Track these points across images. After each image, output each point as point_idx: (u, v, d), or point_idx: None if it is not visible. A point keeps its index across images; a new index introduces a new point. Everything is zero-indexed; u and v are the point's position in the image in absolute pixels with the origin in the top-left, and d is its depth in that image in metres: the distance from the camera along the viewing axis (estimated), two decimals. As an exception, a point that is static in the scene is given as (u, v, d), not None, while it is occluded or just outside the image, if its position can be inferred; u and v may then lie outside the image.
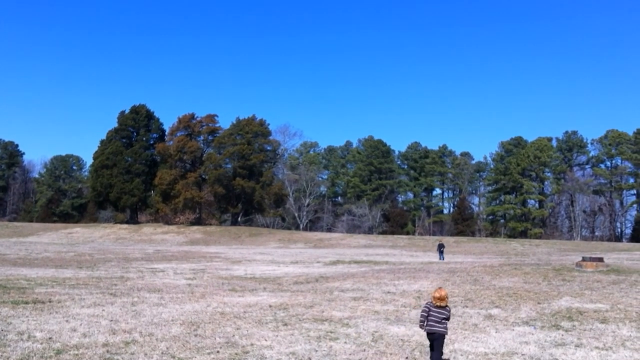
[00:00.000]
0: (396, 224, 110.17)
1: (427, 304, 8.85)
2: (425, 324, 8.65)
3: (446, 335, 8.75)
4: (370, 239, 76.24)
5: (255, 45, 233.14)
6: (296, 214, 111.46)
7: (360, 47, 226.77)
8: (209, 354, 9.48)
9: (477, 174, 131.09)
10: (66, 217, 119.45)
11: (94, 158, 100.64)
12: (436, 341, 8.62)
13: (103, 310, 14.10)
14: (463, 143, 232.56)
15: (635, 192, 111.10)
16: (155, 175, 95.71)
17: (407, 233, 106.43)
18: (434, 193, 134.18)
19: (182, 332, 11.29)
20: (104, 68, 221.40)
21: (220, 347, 9.96)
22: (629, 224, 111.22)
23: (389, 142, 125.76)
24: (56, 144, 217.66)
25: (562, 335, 11.72)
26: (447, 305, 8.74)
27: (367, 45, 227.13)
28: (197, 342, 10.34)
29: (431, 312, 8.63)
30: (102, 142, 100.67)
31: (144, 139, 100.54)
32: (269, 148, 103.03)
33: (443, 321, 8.59)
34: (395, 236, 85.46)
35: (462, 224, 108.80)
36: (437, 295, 8.69)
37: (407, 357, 9.56)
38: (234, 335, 11.05)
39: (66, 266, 29.79)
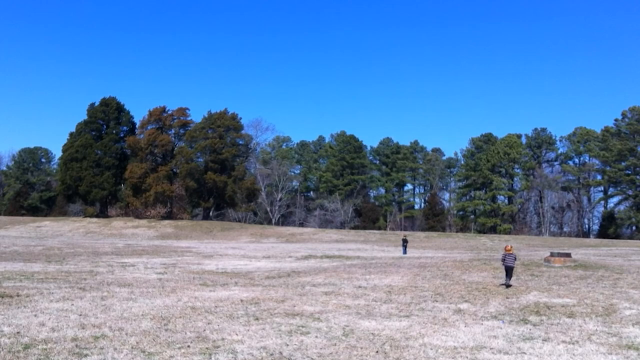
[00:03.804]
0: (368, 219, 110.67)
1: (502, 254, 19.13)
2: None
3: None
4: (342, 234, 76.42)
5: (227, 40, 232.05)
6: (268, 209, 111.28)
7: (333, 44, 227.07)
8: (179, 348, 9.45)
9: (448, 170, 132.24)
10: (35, 211, 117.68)
11: (63, 151, 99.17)
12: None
13: (72, 304, 13.96)
14: (434, 139, 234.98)
15: (602, 189, 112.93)
16: (126, 168, 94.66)
17: (379, 228, 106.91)
18: (406, 188, 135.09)
19: (153, 327, 11.23)
20: (73, 60, 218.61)
21: (191, 342, 9.94)
22: (596, 220, 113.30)
23: (361, 138, 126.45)
24: (24, 136, 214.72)
25: (530, 329, 11.91)
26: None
27: (340, 42, 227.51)
28: (168, 337, 10.30)
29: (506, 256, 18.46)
30: (71, 134, 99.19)
31: (114, 131, 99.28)
32: (241, 142, 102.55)
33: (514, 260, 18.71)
34: (367, 231, 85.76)
35: (433, 219, 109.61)
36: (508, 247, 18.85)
37: (377, 351, 9.64)
38: (204, 330, 11.03)
39: (35, 260, 29.38)
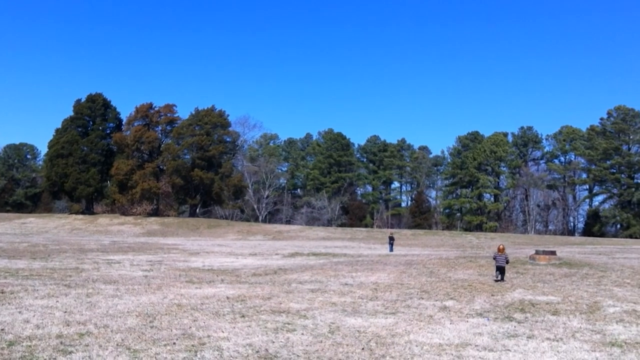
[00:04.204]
0: (355, 216, 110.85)
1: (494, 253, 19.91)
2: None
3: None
4: (329, 232, 76.48)
5: (215, 37, 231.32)
6: (255, 206, 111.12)
7: (321, 42, 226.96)
8: (165, 345, 9.43)
9: (435, 168, 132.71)
10: (20, 207, 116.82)
11: (49, 147, 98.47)
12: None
13: (57, 301, 13.88)
14: (421, 137, 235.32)
15: (587, 187, 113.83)
16: (112, 165, 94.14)
17: (366, 226, 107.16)
18: (393, 186, 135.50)
19: (138, 324, 11.19)
20: (60, 56, 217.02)
21: (177, 339, 9.91)
22: (582, 219, 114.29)
23: (348, 135, 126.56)
24: (9, 132, 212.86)
25: (515, 326, 11.97)
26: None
27: (328, 40, 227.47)
28: (153, 334, 10.26)
29: (497, 256, 19.09)
30: (57, 130, 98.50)
31: (101, 128, 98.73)
32: (228, 139, 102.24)
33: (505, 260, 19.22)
34: (353, 229, 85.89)
35: (420, 217, 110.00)
36: (500, 247, 19.42)
37: (363, 348, 9.66)
38: (190, 327, 11.01)
39: (19, 257, 29.18)
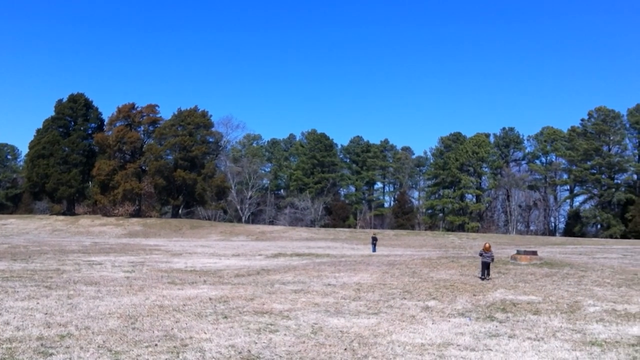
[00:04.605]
0: (338, 217, 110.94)
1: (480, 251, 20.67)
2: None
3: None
4: (312, 232, 76.49)
5: (198, 37, 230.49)
6: (238, 207, 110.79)
7: (304, 43, 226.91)
8: (146, 347, 9.39)
9: (417, 169, 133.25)
10: (0, 208, 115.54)
11: (30, 147, 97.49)
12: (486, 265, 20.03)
13: (38, 303, 13.77)
14: (404, 138, 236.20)
15: (568, 187, 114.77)
16: (94, 165, 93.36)
17: (349, 226, 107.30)
18: (376, 187, 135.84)
19: (120, 326, 11.14)
20: (41, 55, 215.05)
21: (159, 340, 9.87)
22: (562, 219, 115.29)
23: (331, 136, 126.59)
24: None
25: (496, 326, 12.06)
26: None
27: (311, 41, 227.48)
28: (135, 336, 10.22)
29: (484, 254, 20.07)
30: (38, 131, 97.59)
31: (82, 128, 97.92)
32: (211, 140, 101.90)
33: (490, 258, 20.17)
34: (337, 229, 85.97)
35: (402, 217, 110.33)
36: (487, 245, 20.49)
37: (345, 349, 9.68)
38: (172, 329, 10.97)
39: (-1, 258, 28.91)
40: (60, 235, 70.78)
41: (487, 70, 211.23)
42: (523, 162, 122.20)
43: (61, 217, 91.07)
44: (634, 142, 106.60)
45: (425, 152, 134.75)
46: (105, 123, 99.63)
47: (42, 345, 9.30)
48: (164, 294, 15.90)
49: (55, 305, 13.43)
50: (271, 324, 11.72)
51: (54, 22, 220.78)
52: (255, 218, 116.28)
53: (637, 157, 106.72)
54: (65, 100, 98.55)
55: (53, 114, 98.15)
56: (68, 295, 15.17)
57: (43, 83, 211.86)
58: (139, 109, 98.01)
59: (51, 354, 8.77)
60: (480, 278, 19.92)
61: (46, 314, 12.31)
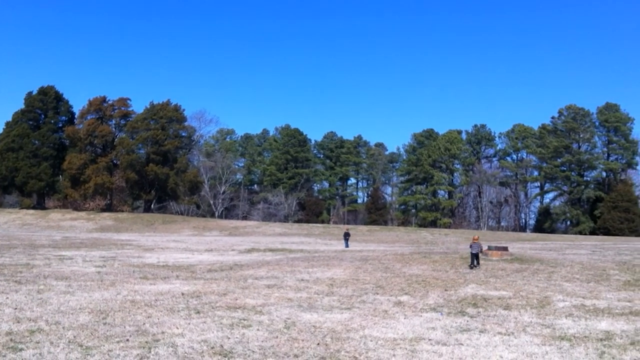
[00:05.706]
0: (311, 212, 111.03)
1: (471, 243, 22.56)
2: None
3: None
4: (286, 227, 76.44)
5: (170, 29, 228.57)
6: (211, 202, 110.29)
7: (277, 36, 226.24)
8: (118, 342, 9.32)
9: (391, 165, 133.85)
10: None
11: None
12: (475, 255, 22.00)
13: (7, 298, 13.59)
14: (377, 134, 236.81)
15: (539, 184, 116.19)
16: (64, 159, 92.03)
17: (322, 222, 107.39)
18: (349, 182, 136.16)
19: (91, 321, 11.04)
20: (9, 46, 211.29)
21: (130, 336, 9.81)
22: (533, 215, 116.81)
23: (305, 132, 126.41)
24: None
25: (468, 321, 12.19)
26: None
27: (284, 34, 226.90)
28: (106, 331, 10.14)
29: (472, 244, 22.12)
30: (7, 124, 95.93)
31: (53, 121, 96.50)
32: (184, 134, 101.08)
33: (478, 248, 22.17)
34: (310, 225, 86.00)
35: (376, 213, 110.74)
36: (475, 237, 22.74)
37: (318, 343, 9.71)
38: (144, 324, 10.90)
39: (-34, 253, 28.40)
40: (30, 230, 69.79)
41: (460, 67, 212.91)
42: (494, 158, 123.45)
43: (31, 211, 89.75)
44: (603, 140, 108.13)
45: (398, 149, 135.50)
46: (76, 116, 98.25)
47: (11, 340, 9.19)
48: (135, 289, 15.79)
49: (25, 300, 13.26)
50: (244, 319, 11.71)
51: (24, 12, 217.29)
52: (228, 213, 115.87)
53: (606, 154, 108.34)
54: (35, 92, 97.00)
55: (23, 106, 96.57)
56: (38, 290, 14.99)
57: (12, 75, 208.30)
58: (110, 102, 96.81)
59: (21, 349, 8.66)
60: (470, 267, 21.71)
61: (15, 308, 12.15)
